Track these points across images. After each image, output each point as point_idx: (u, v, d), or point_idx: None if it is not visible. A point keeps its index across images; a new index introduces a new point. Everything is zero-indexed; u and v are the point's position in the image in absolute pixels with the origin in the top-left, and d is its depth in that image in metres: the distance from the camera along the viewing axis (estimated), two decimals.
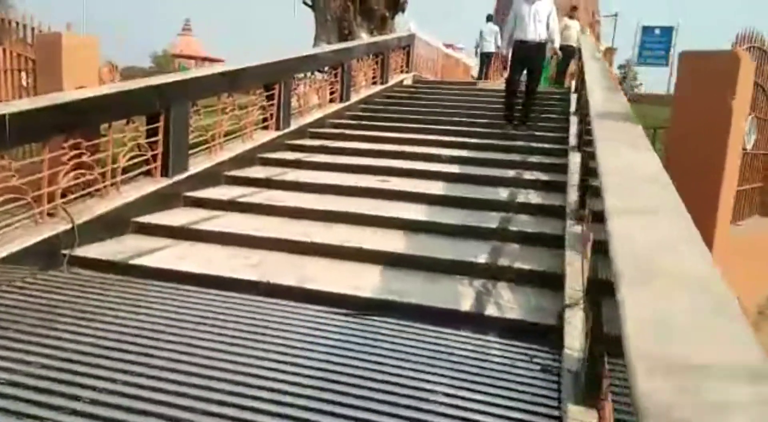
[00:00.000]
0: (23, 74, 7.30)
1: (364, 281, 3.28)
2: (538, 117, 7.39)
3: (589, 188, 3.36)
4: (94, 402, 2.08)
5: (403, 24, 14.08)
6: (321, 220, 4.25)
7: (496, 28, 13.86)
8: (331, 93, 7.72)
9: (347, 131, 6.98)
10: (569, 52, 11.63)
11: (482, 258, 3.55)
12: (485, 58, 14.14)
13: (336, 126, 7.28)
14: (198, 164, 4.89)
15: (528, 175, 5.29)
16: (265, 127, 6.13)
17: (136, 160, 4.33)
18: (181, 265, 3.45)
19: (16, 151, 4.97)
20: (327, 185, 4.96)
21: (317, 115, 7.15)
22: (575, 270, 3.03)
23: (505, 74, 17.00)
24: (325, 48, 7.66)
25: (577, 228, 3.60)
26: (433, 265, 3.52)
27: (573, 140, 5.92)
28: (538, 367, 2.59)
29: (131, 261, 3.49)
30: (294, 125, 6.49)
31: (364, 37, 14.42)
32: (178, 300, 3.01)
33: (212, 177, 5.01)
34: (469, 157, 5.88)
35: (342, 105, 7.82)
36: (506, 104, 7.07)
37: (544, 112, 7.77)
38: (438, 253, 3.61)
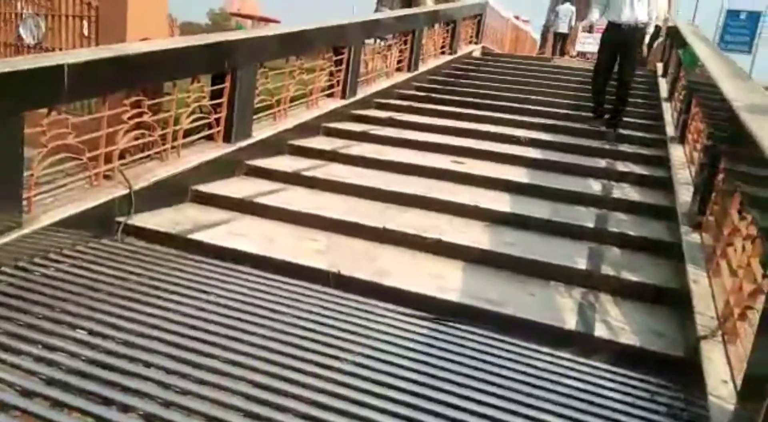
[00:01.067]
0: (84, 23, 7.06)
1: (447, 281, 2.88)
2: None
3: (725, 192, 2.84)
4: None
5: None
6: (392, 202, 3.85)
7: (573, 8, 14.55)
8: (399, 61, 7.23)
9: (415, 104, 6.51)
10: (656, 31, 10.75)
11: (581, 264, 3.10)
12: (558, 37, 14.63)
13: (403, 97, 6.81)
14: (261, 131, 4.54)
15: (621, 166, 4.74)
16: (330, 95, 5.72)
17: (198, 123, 4.00)
18: (242, 244, 3.12)
19: (73, 106, 4.74)
20: (396, 163, 4.54)
21: (384, 84, 6.69)
22: (704, 291, 2.55)
23: (573, 53, 16.52)
24: (398, 12, 7.15)
25: (697, 237, 3.09)
26: (523, 267, 3.08)
27: (671, 130, 5.31)
28: (664, 409, 2.16)
29: (190, 236, 3.18)
30: (360, 94, 6.06)
31: (429, 3, 13.78)
32: (245, 286, 2.69)
33: (276, 145, 4.65)
34: (552, 141, 5.35)
35: (410, 75, 7.33)
36: (594, 97, 5.97)
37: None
38: (528, 253, 3.17)
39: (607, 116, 5.81)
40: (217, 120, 4.13)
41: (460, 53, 9.19)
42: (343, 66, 5.71)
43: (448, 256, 3.20)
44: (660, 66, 9.12)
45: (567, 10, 14.57)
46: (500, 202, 3.89)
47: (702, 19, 10.82)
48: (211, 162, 3.94)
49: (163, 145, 3.67)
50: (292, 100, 5.08)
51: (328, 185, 4.08)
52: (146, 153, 3.61)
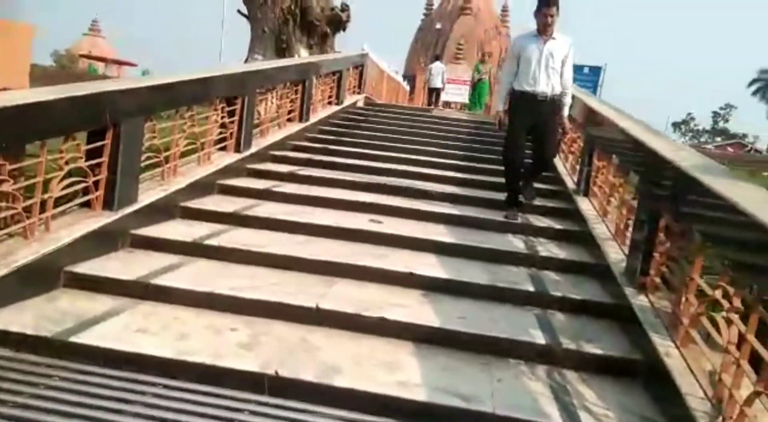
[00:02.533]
0: None
1: (405, 372, 2.47)
2: None
3: (675, 253, 2.76)
4: None
5: (342, 43, 13.92)
6: (318, 273, 3.39)
7: (443, 66, 17.26)
8: (290, 111, 6.84)
9: (314, 156, 6.11)
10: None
11: (537, 337, 2.84)
12: (432, 92, 16.53)
13: (299, 149, 6.40)
14: (149, 193, 3.87)
15: (534, 220, 4.69)
16: (224, 148, 5.15)
17: (72, 189, 3.27)
18: (144, 344, 2.48)
19: None
20: (311, 225, 4.08)
21: (278, 135, 6.23)
22: (681, 366, 2.39)
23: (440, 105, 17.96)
24: (292, 61, 6.79)
25: (645, 300, 2.99)
26: (480, 346, 2.76)
27: (570, 182, 5.44)
28: None
29: (71, 338, 2.47)
30: (255, 147, 5.55)
31: (304, 54, 13.61)
32: (153, 405, 2.06)
33: (167, 209, 3.99)
34: (462, 195, 5.21)
35: (302, 125, 6.94)
36: (509, 184, 4.79)
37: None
38: (484, 329, 2.85)
39: (520, 203, 4.77)
40: (96, 183, 3.42)
41: (346, 103, 9.03)
42: (237, 117, 5.18)
43: (396, 337, 2.79)
44: None
45: (438, 67, 16.50)
46: (433, 267, 3.58)
47: None
48: (89, 235, 3.21)
49: (29, 218, 2.90)
50: (182, 155, 4.46)
51: (238, 256, 3.52)
52: (6, 230, 2.82)
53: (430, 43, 39.41)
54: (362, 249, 3.79)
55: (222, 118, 4.97)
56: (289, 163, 5.78)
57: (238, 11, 13.26)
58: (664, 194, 3.03)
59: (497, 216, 4.68)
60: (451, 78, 22.83)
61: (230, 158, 5.11)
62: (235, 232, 3.89)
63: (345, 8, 11.30)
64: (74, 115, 3.14)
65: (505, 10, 36.92)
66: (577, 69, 20.27)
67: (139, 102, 3.67)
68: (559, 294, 3.36)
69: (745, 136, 57.55)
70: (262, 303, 2.94)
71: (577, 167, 5.44)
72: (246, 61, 13.07)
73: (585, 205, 4.73)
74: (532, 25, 4.63)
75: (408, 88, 21.11)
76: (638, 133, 3.61)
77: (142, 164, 3.89)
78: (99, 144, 3.39)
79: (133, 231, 3.60)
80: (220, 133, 5.05)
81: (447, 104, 21.26)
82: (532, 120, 4.62)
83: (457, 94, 21.25)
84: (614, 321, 3.10)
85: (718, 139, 61.07)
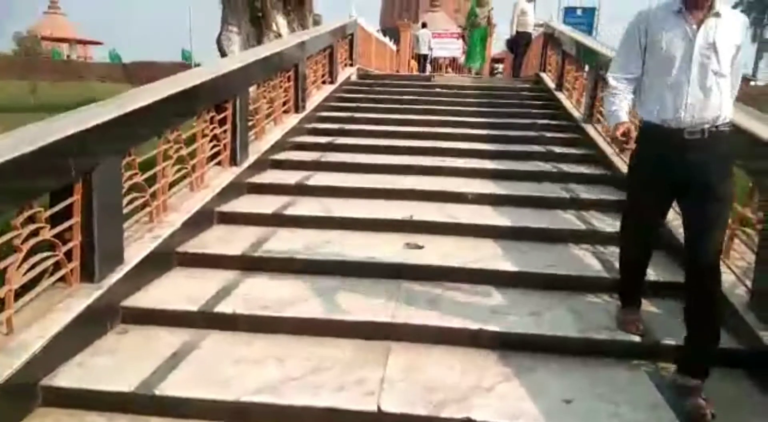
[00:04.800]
0: None
1: None
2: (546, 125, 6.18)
3: None
4: None
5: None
6: (364, 338, 2.69)
7: (429, 32, 17.57)
8: (284, 103, 5.98)
9: (319, 156, 5.32)
10: (528, 40, 10.55)
11: None
12: (421, 58, 16.85)
13: (301, 147, 5.61)
14: (137, 245, 3.10)
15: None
16: (218, 163, 4.35)
17: (37, 270, 2.50)
18: None
19: None
20: (340, 262, 3.35)
21: (276, 134, 5.41)
22: None
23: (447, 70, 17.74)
24: (282, 45, 5.88)
25: None
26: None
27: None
28: None
29: None
30: (253, 155, 4.74)
31: (282, 21, 12.55)
32: None
33: (160, 262, 3.24)
34: (502, 195, 4.47)
35: (299, 116, 6.11)
36: (626, 272, 2.82)
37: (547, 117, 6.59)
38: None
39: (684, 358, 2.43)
40: (69, 252, 2.65)
41: (341, 79, 8.14)
42: (229, 125, 4.36)
43: None
44: (546, 77, 8.84)
45: (425, 34, 16.90)
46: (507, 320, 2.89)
47: (542, 17, 10.71)
48: (69, 325, 2.46)
49: None
50: (171, 184, 3.68)
51: (263, 324, 2.80)
52: None
53: None
54: (410, 290, 3.09)
55: (213, 129, 4.15)
56: (295, 169, 4.99)
57: None
58: None
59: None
60: (437, 32, 21.73)
61: (227, 175, 4.31)
62: (251, 285, 3.15)
63: None
64: (27, 177, 2.34)
65: None
66: (569, 11, 19.37)
67: (113, 138, 2.85)
68: None
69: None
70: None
71: None
72: (220, 35, 12.01)
73: None
74: None
75: (395, 48, 20.10)
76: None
77: (125, 210, 3.11)
78: (66, 203, 2.61)
79: (124, 304, 2.86)
80: (213, 146, 4.24)
81: (435, 61, 20.26)
82: (674, 179, 2.40)
83: (444, 49, 20.08)
84: None
85: None
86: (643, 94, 2.52)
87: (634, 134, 2.46)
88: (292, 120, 5.94)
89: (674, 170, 2.39)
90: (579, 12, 19.06)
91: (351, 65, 9.32)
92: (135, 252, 3.05)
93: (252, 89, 5.08)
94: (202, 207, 3.78)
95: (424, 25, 18.26)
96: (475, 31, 12.41)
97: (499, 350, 2.65)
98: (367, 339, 2.71)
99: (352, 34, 9.28)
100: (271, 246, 3.55)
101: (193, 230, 3.63)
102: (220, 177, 4.24)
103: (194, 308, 2.86)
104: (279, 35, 11.39)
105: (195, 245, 3.52)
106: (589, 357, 2.62)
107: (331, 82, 7.82)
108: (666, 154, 2.41)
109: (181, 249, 3.43)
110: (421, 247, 3.58)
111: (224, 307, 2.88)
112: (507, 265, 3.32)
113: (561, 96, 7.50)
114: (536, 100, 7.81)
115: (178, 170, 3.71)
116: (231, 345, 2.66)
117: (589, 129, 5.94)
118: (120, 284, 2.85)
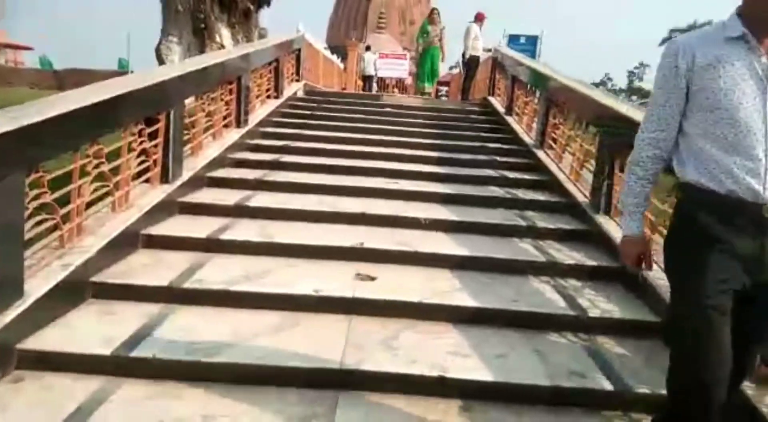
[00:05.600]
0: None
1: None
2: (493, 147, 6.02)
3: None
4: None
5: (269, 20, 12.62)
6: (310, 387, 2.33)
7: (375, 55, 18.36)
8: (225, 116, 5.57)
9: (263, 175, 4.92)
10: (477, 64, 10.56)
11: None
12: (366, 78, 17.78)
13: (242, 164, 5.19)
14: (42, 276, 2.64)
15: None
16: (147, 180, 3.90)
17: None
18: None
19: None
20: (282, 295, 2.98)
21: (215, 149, 4.98)
22: None
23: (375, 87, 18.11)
24: (230, 54, 5.48)
25: None
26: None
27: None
28: None
29: None
30: (188, 172, 4.31)
31: (225, 33, 12.13)
32: None
33: (70, 296, 2.77)
34: (456, 222, 4.22)
35: (241, 131, 5.70)
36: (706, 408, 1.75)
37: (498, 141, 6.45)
38: None
39: None
40: None
41: (287, 95, 7.78)
42: (161, 139, 3.93)
43: None
44: (495, 101, 8.79)
45: (370, 57, 17.78)
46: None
47: (488, 44, 10.63)
48: None
49: None
50: (89, 204, 3.22)
51: (192, 371, 2.39)
52: None
53: (351, 11, 37.98)
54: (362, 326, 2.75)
55: (141, 143, 3.71)
56: (235, 187, 4.58)
57: None
58: None
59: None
60: (383, 53, 21.71)
61: (157, 193, 3.87)
62: (179, 322, 2.73)
63: None
64: None
65: None
66: (513, 39, 19.74)
67: (16, 150, 2.40)
68: None
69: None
70: None
71: None
72: (159, 45, 11.45)
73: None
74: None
75: (342, 66, 19.96)
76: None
77: (29, 233, 2.65)
78: None
79: (21, 346, 2.39)
80: (142, 162, 3.79)
81: (382, 81, 20.22)
82: (746, 272, 1.71)
83: (390, 69, 20.04)
84: None
85: (634, 97, 63.09)
86: (685, 152, 1.81)
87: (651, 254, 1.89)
88: (234, 135, 5.53)
89: (743, 258, 1.68)
90: (522, 40, 19.46)
91: (298, 81, 8.98)
92: (39, 283, 2.59)
93: (189, 100, 4.66)
94: (124, 229, 3.33)
95: (368, 49, 18.54)
96: (428, 50, 12.05)
97: (462, 400, 2.35)
98: (313, 387, 2.36)
99: (299, 49, 8.95)
100: (204, 276, 3.14)
101: (112, 256, 3.18)
102: (149, 195, 3.79)
103: (107, 351, 2.42)
104: (222, 47, 10.96)
105: (114, 274, 3.07)
106: (559, 409, 2.36)
107: (277, 97, 7.44)
108: (734, 236, 1.68)
109: (96, 278, 2.97)
110: (373, 279, 3.26)
111: (143, 351, 2.45)
112: (467, 300, 3.05)
113: (511, 120, 7.43)
114: (487, 124, 7.70)
115: (98, 188, 3.25)
116: (150, 399, 2.24)
117: (541, 154, 5.84)
118: (17, 322, 2.38)
